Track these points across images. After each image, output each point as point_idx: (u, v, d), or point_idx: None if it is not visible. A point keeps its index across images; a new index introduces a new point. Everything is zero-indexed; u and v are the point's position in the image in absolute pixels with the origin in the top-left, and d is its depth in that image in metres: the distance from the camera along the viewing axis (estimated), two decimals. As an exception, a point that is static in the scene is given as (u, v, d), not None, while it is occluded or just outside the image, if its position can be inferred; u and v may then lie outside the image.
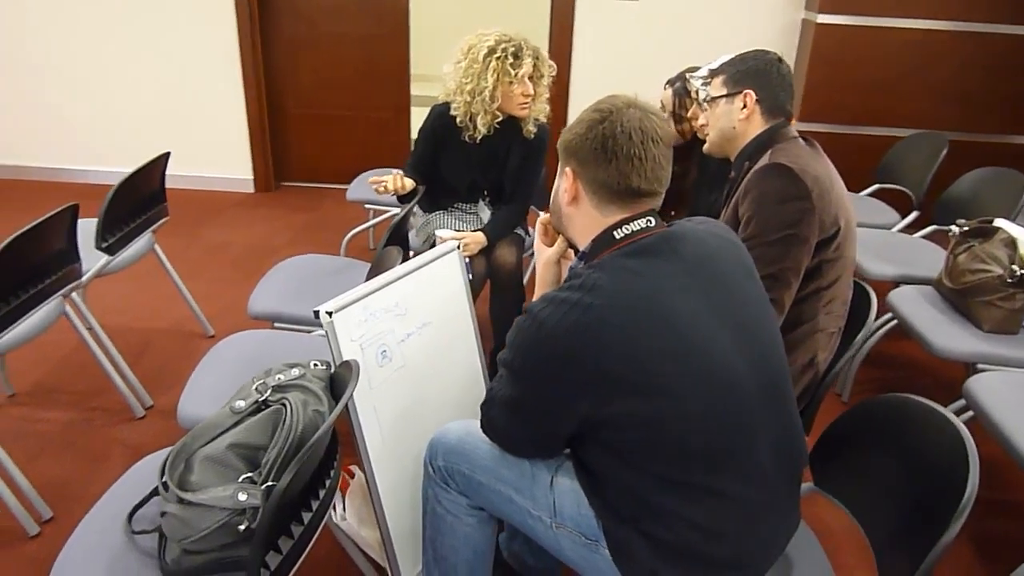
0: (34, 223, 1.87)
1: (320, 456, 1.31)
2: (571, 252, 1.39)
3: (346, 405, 1.45)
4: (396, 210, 3.36)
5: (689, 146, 2.30)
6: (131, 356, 2.60)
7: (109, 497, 1.44)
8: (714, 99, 1.73)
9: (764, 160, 1.58)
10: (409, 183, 2.32)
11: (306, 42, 4.30)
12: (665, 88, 2.29)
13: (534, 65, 2.30)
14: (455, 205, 2.58)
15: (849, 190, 3.36)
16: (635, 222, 1.17)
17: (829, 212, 1.54)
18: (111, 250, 2.30)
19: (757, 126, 1.68)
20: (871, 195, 3.35)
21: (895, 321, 2.43)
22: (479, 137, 2.38)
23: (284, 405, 1.28)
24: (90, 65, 4.22)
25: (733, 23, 3.95)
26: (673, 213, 2.44)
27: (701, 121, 2.01)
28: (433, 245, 2.39)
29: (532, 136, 2.44)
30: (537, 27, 4.85)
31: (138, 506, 1.38)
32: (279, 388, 1.37)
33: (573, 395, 1.10)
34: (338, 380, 1.43)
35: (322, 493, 1.32)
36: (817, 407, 1.65)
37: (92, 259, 2.28)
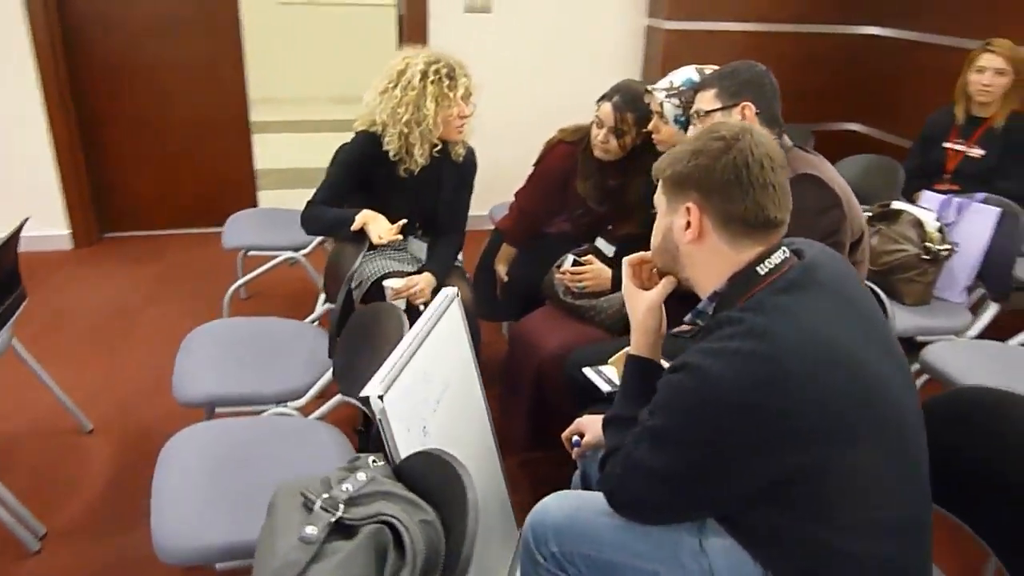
0: None
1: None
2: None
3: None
4: (284, 255, 3.01)
5: (628, 160, 2.27)
6: (-4, 474, 2.08)
7: None
8: (708, 112, 1.69)
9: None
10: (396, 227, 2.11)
11: (127, 70, 3.75)
12: (600, 104, 2.24)
13: (466, 85, 2.15)
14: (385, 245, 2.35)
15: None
16: (774, 255, 1.09)
17: (855, 218, 1.57)
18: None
19: (759, 137, 1.66)
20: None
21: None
22: (416, 169, 2.18)
23: (389, 523, 1.05)
24: None
25: (581, 32, 4.02)
26: (611, 227, 2.40)
27: (663, 136, 1.99)
28: (379, 294, 2.16)
29: (461, 159, 2.29)
30: (386, 46, 4.61)
31: None
32: (352, 501, 1.13)
33: (750, 453, 1.00)
34: (408, 477, 1.21)
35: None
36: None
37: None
